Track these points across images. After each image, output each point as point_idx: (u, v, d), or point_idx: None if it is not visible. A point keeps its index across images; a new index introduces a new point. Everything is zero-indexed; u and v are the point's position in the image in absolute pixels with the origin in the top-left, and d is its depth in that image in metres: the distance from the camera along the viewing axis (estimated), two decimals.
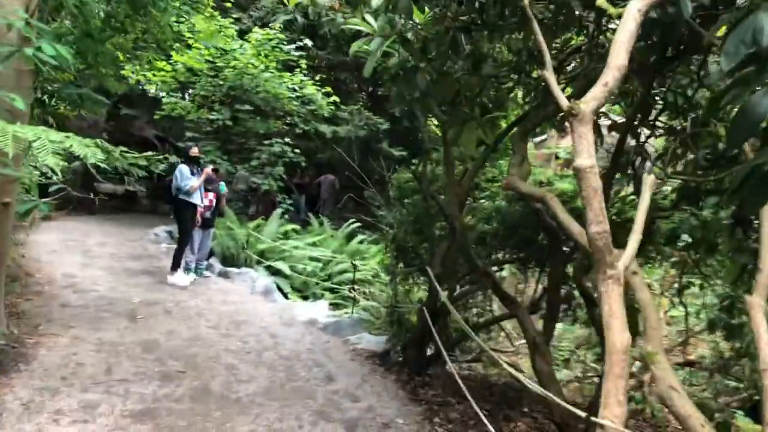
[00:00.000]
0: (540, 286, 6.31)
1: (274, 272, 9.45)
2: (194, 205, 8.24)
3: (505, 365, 3.87)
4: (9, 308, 6.12)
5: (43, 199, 5.81)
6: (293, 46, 11.73)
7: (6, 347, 5.13)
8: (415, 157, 10.05)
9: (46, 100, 6.73)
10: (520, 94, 5.54)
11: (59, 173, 3.80)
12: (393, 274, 6.41)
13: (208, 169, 8.29)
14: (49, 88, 6.84)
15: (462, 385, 4.36)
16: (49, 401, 4.28)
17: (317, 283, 9.46)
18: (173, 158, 5.90)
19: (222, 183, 8.97)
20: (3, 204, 4.93)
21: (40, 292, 7.12)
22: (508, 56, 4.90)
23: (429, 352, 6.13)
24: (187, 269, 8.69)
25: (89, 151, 3.75)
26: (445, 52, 3.73)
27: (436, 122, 5.93)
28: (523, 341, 5.94)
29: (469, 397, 4.18)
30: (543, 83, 4.09)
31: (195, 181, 8.12)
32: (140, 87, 12.37)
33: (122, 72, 10.19)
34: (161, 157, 4.55)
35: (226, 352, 5.87)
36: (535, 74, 4.60)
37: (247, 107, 11.84)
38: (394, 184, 6.50)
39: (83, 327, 6.05)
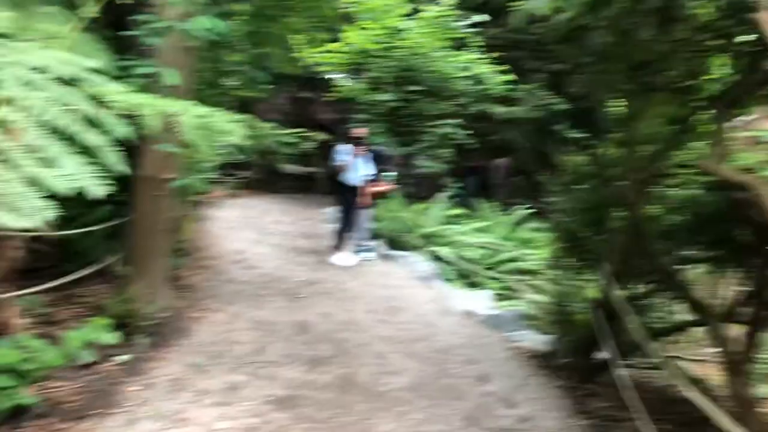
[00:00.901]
0: (741, 290, 5.32)
1: (438, 258, 9.12)
2: (352, 186, 8.13)
3: (679, 382, 3.16)
4: (179, 281, 6.37)
5: (229, 177, 5.89)
6: (465, 22, 11.23)
7: (168, 320, 5.29)
8: (594, 139, 9.19)
9: (216, 81, 6.88)
10: (721, 63, 4.64)
11: (206, 149, 3.72)
12: (561, 268, 5.77)
13: (359, 149, 8.07)
14: (221, 68, 7.00)
15: (630, 398, 3.70)
16: (196, 379, 4.28)
17: (482, 271, 8.96)
18: (322, 136, 5.72)
19: (393, 172, 8.83)
20: (165, 180, 5.05)
21: (210, 266, 7.39)
22: (707, 16, 4.07)
23: (602, 356, 5.43)
24: (354, 250, 8.64)
25: (232, 127, 3.61)
26: (626, 8, 3.08)
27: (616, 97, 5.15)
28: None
29: (636, 415, 3.52)
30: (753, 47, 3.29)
31: (344, 161, 8.02)
32: (313, 70, 12.53)
33: (297, 54, 10.36)
34: (309, 134, 4.36)
35: (379, 339, 5.62)
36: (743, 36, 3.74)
37: (418, 88, 11.55)
38: (565, 167, 5.82)
39: (244, 304, 6.14)
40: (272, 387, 4.30)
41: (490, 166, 14.64)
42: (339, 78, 12.23)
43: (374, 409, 4.18)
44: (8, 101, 2.65)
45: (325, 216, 12.24)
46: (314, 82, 14.81)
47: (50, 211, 2.46)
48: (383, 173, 9.12)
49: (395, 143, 11.47)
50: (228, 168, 12.98)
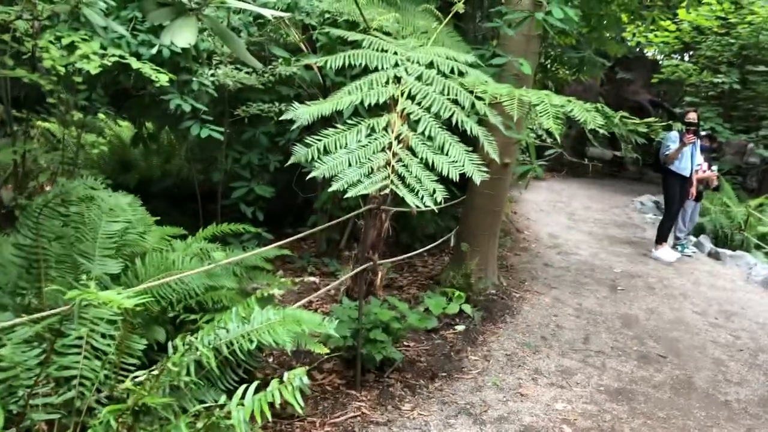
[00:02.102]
0: None
1: None
2: (681, 176, 7.53)
3: None
4: (500, 261, 6.64)
5: (538, 161, 5.99)
6: None
7: (496, 297, 5.56)
8: None
9: (548, 64, 6.96)
10: None
11: (557, 137, 3.78)
12: None
13: (690, 137, 7.33)
14: (552, 53, 7.05)
15: None
16: (529, 358, 4.44)
17: None
18: (677, 126, 5.41)
19: (724, 162, 8.02)
20: (504, 164, 5.26)
21: (527, 248, 7.54)
22: None
23: None
24: (676, 244, 8.09)
25: (589, 116, 3.61)
26: None
27: None
28: None
29: None
30: None
31: (672, 149, 7.41)
32: (637, 49, 11.88)
33: (623, 34, 9.94)
34: (663, 124, 4.15)
35: (713, 344, 5.21)
36: None
37: (762, 68, 10.26)
38: None
39: (564, 289, 6.17)
40: (604, 377, 4.27)
41: None
42: (664, 58, 11.43)
43: (716, 418, 3.89)
44: (408, 94, 3.01)
45: (639, 204, 11.66)
46: (635, 62, 14.09)
47: (441, 194, 2.75)
48: (714, 162, 8.34)
49: (727, 130, 10.38)
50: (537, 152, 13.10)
